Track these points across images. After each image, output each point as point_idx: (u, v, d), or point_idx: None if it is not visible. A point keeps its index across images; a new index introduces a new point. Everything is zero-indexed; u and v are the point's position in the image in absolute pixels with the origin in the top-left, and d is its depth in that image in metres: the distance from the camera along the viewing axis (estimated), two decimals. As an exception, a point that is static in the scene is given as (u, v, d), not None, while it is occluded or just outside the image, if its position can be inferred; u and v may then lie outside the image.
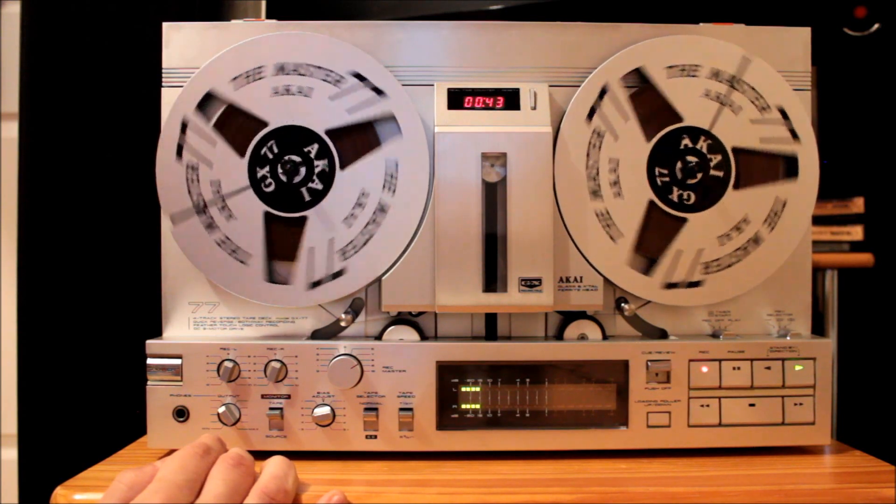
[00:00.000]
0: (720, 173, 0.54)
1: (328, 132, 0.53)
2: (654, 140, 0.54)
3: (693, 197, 0.54)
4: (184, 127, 0.52)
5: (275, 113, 0.53)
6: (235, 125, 0.53)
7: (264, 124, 0.53)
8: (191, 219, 0.53)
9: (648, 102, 0.54)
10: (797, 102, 0.54)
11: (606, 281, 0.54)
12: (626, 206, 0.54)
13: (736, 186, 0.54)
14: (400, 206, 0.53)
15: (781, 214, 0.54)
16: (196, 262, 0.53)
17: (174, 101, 0.53)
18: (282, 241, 0.53)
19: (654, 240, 0.54)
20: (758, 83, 0.54)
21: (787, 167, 0.54)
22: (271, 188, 0.53)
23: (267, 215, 0.53)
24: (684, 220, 0.54)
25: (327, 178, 0.53)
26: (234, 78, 0.53)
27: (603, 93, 0.53)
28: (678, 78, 0.54)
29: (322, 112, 0.53)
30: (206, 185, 0.52)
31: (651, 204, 0.54)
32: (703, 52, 0.54)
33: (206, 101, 0.53)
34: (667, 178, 0.54)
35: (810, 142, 0.54)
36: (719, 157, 0.54)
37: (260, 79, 0.53)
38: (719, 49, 0.54)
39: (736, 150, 0.54)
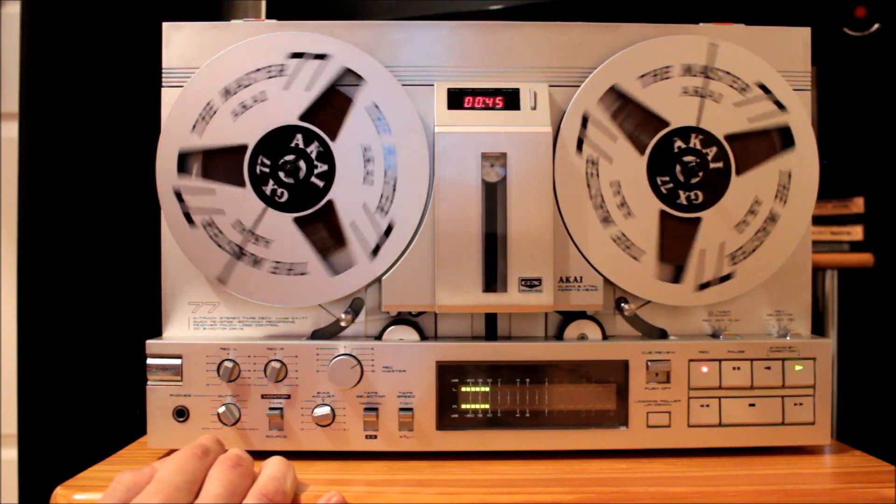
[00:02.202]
0: (720, 164, 0.54)
1: (302, 117, 0.53)
2: (648, 151, 0.54)
3: (700, 195, 0.54)
4: (179, 196, 0.52)
5: (246, 132, 0.52)
6: (220, 164, 0.53)
7: (244, 147, 0.53)
8: (234, 266, 0.53)
9: (631, 116, 0.54)
10: (774, 75, 0.54)
11: (606, 281, 0.54)
12: (640, 223, 0.54)
13: (738, 173, 0.54)
14: (401, 141, 0.52)
15: (790, 186, 0.54)
16: (259, 298, 0.53)
17: (158, 180, 0.52)
18: (322, 235, 0.53)
19: (675, 247, 0.54)
20: (731, 66, 0.54)
21: (783, 139, 0.54)
22: (286, 197, 0.53)
23: (297, 221, 0.53)
24: (699, 220, 0.54)
25: (328, 158, 0.53)
26: (194, 127, 0.52)
27: (585, 121, 0.53)
28: (653, 84, 0.54)
29: (285, 104, 0.52)
30: (229, 230, 0.53)
31: (662, 213, 0.54)
32: (670, 52, 0.54)
33: (184, 161, 0.52)
34: (670, 184, 0.54)
35: (798, 108, 0.54)
36: (715, 149, 0.54)
37: (215, 113, 0.52)
38: (684, 44, 0.54)
39: (729, 138, 0.54)
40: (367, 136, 0.53)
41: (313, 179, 0.53)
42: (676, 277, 0.54)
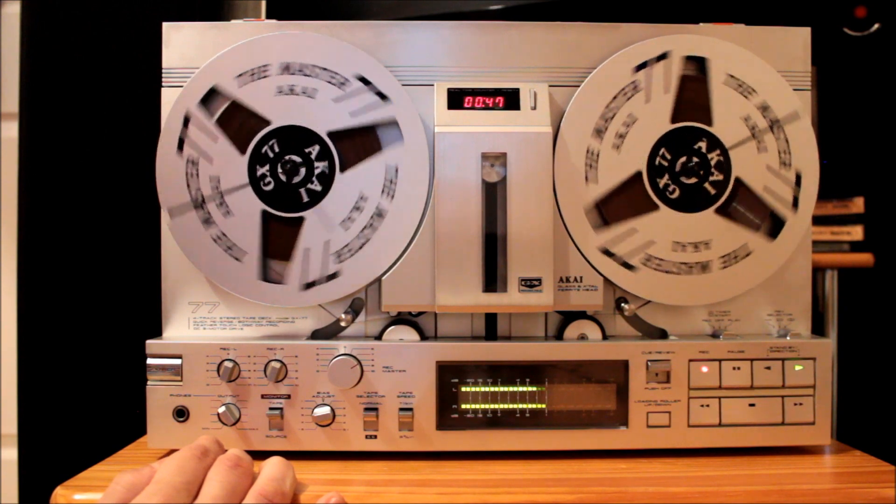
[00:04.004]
0: (713, 191, 0.54)
1: (330, 134, 0.53)
2: (676, 126, 0.54)
3: (677, 193, 0.54)
4: (186, 121, 0.52)
5: (278, 112, 0.53)
6: (238, 122, 0.53)
7: (266, 122, 0.53)
8: (188, 213, 0.52)
9: (691, 91, 0.54)
10: (814, 175, 0.54)
11: (606, 281, 0.54)
12: (617, 163, 0.53)
13: (718, 210, 0.54)
14: (398, 210, 0.53)
15: (740, 261, 0.54)
16: (191, 257, 0.53)
17: (177, 96, 0.53)
18: (278, 241, 0.53)
19: (620, 206, 0.54)
20: (795, 139, 0.54)
21: (773, 227, 0.54)
22: (270, 187, 0.53)
23: (265, 214, 0.53)
24: (657, 207, 0.54)
25: (327, 180, 0.53)
26: (240, 75, 0.53)
27: (662, 56, 0.53)
28: (731, 90, 0.54)
29: (325, 114, 0.53)
30: (206, 180, 0.52)
31: (636, 175, 0.54)
32: (765, 82, 0.54)
33: (210, 97, 0.53)
34: (665, 164, 0.54)
35: (806, 216, 0.54)
36: (721, 177, 0.54)
37: (265, 77, 0.52)
38: (780, 88, 0.54)
39: (738, 181, 0.54)
40: (370, 188, 0.53)
41: (302, 191, 0.53)
42: (596, 227, 0.53)
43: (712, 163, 0.54)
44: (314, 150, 0.53)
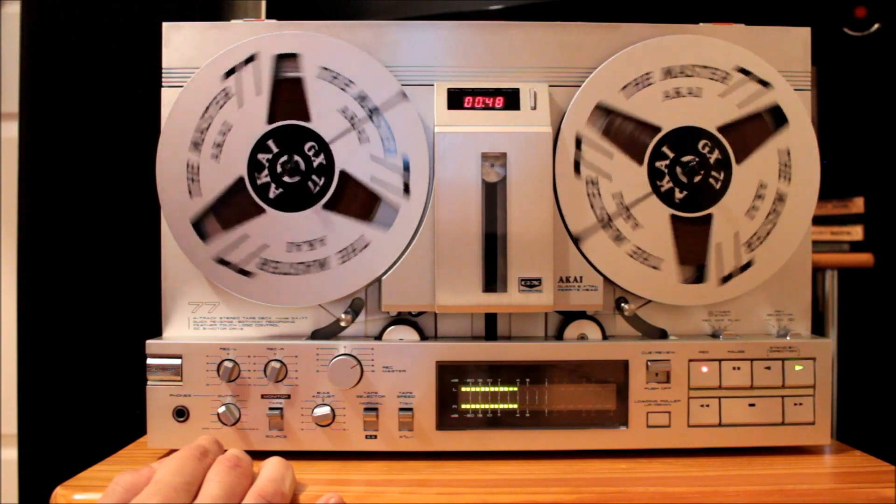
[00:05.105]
0: (719, 157, 0.54)
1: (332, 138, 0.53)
2: (646, 160, 0.53)
3: (706, 192, 0.54)
4: (578, 143, 0.52)
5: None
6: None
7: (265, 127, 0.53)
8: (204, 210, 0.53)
9: (622, 130, 0.54)
10: (751, 56, 0.54)
11: (606, 280, 0.54)
12: (650, 232, 0.53)
13: (738, 161, 0.54)
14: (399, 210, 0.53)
15: (790, 163, 0.54)
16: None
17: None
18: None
19: (692, 247, 0.54)
20: (707, 59, 0.54)
21: (774, 118, 0.54)
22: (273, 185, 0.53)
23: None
24: (710, 217, 0.54)
25: (327, 176, 0.53)
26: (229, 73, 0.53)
27: (579, 142, 0.53)
28: (636, 93, 0.53)
29: (327, 115, 0.53)
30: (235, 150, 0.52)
31: (673, 218, 0.54)
32: (649, 58, 0.54)
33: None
34: (673, 188, 0.54)
35: (782, 83, 0.54)
36: (711, 144, 0.54)
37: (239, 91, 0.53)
38: (661, 46, 0.54)
39: (722, 129, 0.54)
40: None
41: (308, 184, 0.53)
42: (699, 277, 0.54)
43: (697, 146, 0.54)
44: (314, 148, 0.53)
